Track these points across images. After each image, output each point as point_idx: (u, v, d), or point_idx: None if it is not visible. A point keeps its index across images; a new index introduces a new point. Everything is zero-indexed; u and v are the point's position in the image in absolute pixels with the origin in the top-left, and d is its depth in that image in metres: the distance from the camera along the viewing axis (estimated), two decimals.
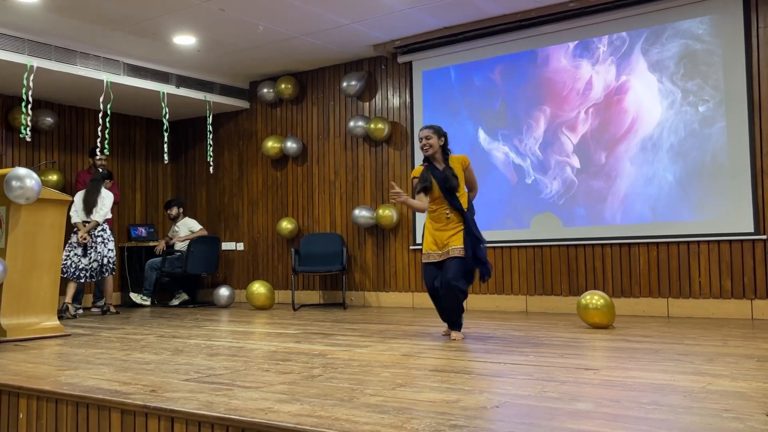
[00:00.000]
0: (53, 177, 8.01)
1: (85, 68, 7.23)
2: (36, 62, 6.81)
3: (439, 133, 4.64)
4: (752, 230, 5.76)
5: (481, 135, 7.16)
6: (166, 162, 8.30)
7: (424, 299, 6.28)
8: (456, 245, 4.49)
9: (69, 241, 6.99)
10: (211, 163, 8.70)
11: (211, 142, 8.70)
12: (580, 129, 6.60)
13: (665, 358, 3.64)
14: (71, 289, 6.94)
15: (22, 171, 4.74)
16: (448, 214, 4.54)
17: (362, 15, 6.60)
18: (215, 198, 9.28)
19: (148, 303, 8.26)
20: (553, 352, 3.90)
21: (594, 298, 5.13)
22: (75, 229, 7.04)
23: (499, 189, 6.97)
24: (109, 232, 7.17)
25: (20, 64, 6.73)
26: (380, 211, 7.60)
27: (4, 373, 3.42)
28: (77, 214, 7.04)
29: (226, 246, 9.02)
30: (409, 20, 6.76)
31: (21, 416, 3.00)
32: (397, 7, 6.41)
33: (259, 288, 7.51)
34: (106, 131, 7.58)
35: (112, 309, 7.27)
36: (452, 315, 4.60)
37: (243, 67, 8.23)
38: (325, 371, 3.32)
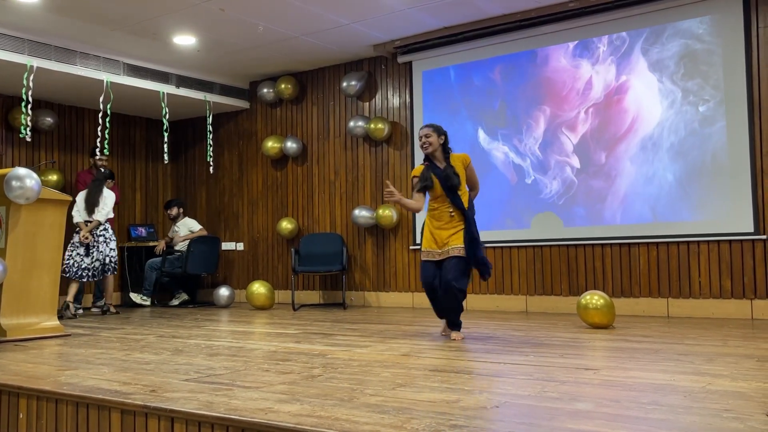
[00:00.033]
0: (53, 177, 8.01)
1: (85, 68, 7.23)
2: (36, 62, 6.81)
3: (439, 131, 4.64)
4: (752, 230, 5.76)
5: (481, 135, 7.16)
6: (166, 162, 8.30)
7: (424, 299, 6.26)
8: (456, 245, 4.49)
9: (71, 241, 7.06)
10: (211, 163, 8.70)
11: (211, 142, 8.70)
12: (579, 129, 6.60)
13: (665, 358, 3.64)
14: (73, 288, 6.97)
15: (22, 171, 4.74)
16: (451, 212, 4.53)
17: (362, 15, 6.60)
18: (215, 198, 9.28)
19: (148, 303, 8.26)
20: (553, 352, 3.90)
21: (594, 298, 5.13)
22: (77, 229, 7.09)
23: (498, 189, 6.97)
24: (111, 231, 7.21)
25: (20, 64, 6.73)
26: (380, 211, 7.60)
27: (4, 373, 3.42)
28: (79, 214, 7.10)
29: (226, 246, 9.02)
30: (409, 20, 6.76)
31: (21, 416, 3.00)
32: (397, 7, 6.41)
33: (259, 288, 7.51)
34: (106, 131, 7.59)
35: (112, 309, 7.27)
36: (452, 315, 4.60)
37: (243, 67, 8.23)
38: (325, 371, 3.32)
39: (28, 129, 6.89)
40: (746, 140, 5.80)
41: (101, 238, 7.09)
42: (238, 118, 9.10)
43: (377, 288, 7.82)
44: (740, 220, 5.81)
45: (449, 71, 7.38)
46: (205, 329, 5.56)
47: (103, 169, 7.53)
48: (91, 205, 7.08)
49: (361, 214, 7.73)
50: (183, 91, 8.19)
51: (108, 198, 7.19)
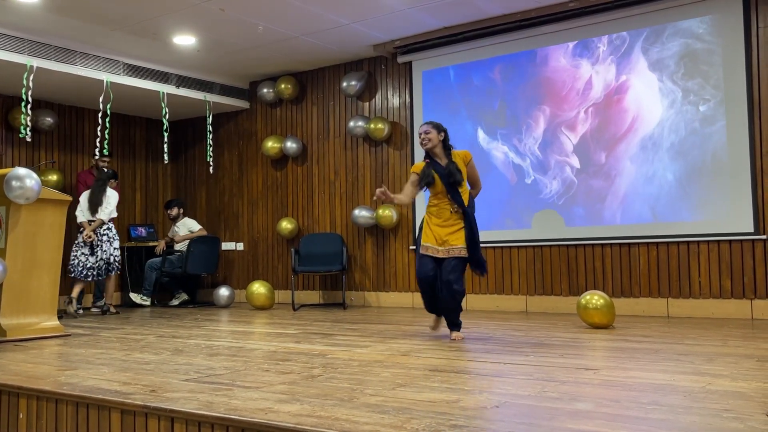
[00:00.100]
0: (53, 177, 8.01)
1: (85, 68, 7.23)
2: (36, 62, 6.81)
3: (439, 128, 4.63)
4: (752, 230, 5.76)
5: (481, 135, 7.16)
6: (166, 162, 8.30)
7: None
8: (457, 244, 4.49)
9: (76, 242, 7.15)
10: (211, 163, 8.70)
11: (211, 142, 8.70)
12: (579, 129, 6.60)
13: (665, 358, 3.64)
14: (78, 287, 7.07)
15: (22, 171, 4.74)
16: (451, 209, 4.53)
17: (362, 15, 6.60)
18: (215, 198, 9.28)
19: (148, 303, 8.27)
20: (553, 352, 3.90)
21: (594, 298, 5.13)
22: (81, 228, 7.14)
23: (498, 189, 6.97)
24: (114, 231, 7.27)
25: (20, 64, 6.73)
26: (380, 211, 7.60)
27: (4, 373, 3.42)
28: (83, 214, 7.17)
29: (226, 246, 9.02)
30: (409, 20, 6.76)
31: (21, 416, 3.00)
32: (397, 7, 6.41)
33: (259, 288, 7.51)
34: (106, 131, 7.59)
35: (112, 309, 7.28)
36: (452, 315, 4.60)
37: (243, 67, 8.23)
38: (325, 371, 3.32)
39: (28, 129, 6.90)
40: (746, 140, 5.80)
41: (105, 237, 7.14)
42: (238, 118, 9.10)
43: (377, 288, 7.82)
44: (740, 220, 5.81)
45: (449, 71, 7.38)
46: (205, 329, 5.56)
47: (105, 169, 7.56)
48: (95, 204, 7.14)
49: (361, 214, 7.73)
50: (183, 91, 8.19)
51: (111, 197, 7.25)
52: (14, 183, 4.67)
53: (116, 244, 7.25)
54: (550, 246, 6.70)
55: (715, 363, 3.44)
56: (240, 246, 8.97)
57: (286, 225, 8.34)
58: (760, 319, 5.64)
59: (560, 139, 6.70)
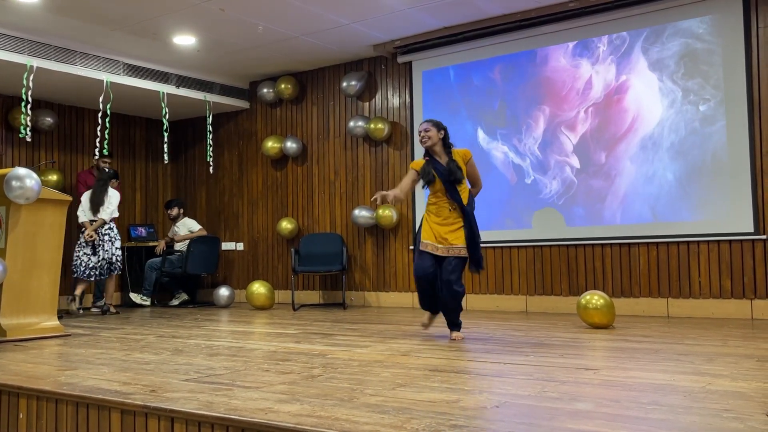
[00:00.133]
0: (53, 177, 8.02)
1: (85, 68, 7.23)
2: (36, 62, 6.81)
3: (439, 126, 4.63)
4: (752, 230, 5.76)
5: (481, 135, 7.16)
6: (166, 162, 8.31)
7: None
8: (457, 244, 4.48)
9: (78, 242, 7.21)
10: (211, 163, 8.71)
11: (211, 142, 8.70)
12: (579, 129, 6.60)
13: (665, 358, 3.64)
14: (81, 286, 7.15)
15: (22, 171, 4.74)
16: (450, 208, 4.52)
17: (362, 15, 6.60)
18: (215, 198, 9.28)
19: (148, 303, 8.27)
20: (553, 352, 3.90)
21: (594, 298, 5.13)
22: (83, 228, 7.17)
23: (498, 189, 6.97)
24: (116, 231, 7.31)
25: (20, 64, 6.73)
26: (380, 211, 7.60)
27: (4, 373, 3.42)
28: (84, 214, 7.21)
29: (226, 246, 9.02)
30: (409, 20, 6.76)
31: (21, 416, 3.00)
32: (397, 7, 6.41)
33: (259, 288, 7.51)
34: (106, 131, 7.60)
35: (112, 309, 7.29)
36: (452, 315, 4.60)
37: (243, 67, 8.23)
38: (325, 371, 3.32)
39: (28, 129, 6.90)
40: (746, 140, 5.80)
41: (106, 237, 7.18)
42: (238, 118, 9.10)
43: (377, 288, 7.82)
44: (740, 220, 5.81)
45: (449, 71, 7.38)
46: (205, 329, 5.56)
47: (107, 169, 7.58)
48: (96, 204, 7.18)
49: (361, 214, 7.73)
50: (183, 91, 8.19)
51: (113, 197, 7.29)
52: (14, 183, 4.67)
53: (118, 243, 7.29)
54: (550, 246, 6.70)
55: (715, 363, 3.44)
56: (240, 246, 8.97)
57: (286, 225, 8.34)
58: (760, 319, 5.64)
59: (560, 139, 6.70)
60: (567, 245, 6.61)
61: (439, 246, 4.49)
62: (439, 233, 4.51)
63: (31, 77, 6.77)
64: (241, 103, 8.89)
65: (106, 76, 7.37)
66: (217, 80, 8.55)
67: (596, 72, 6.54)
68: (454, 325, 4.61)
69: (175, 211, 8.66)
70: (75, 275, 7.16)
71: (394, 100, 7.80)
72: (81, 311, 7.24)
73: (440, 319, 4.85)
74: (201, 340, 4.74)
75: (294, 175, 8.55)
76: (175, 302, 8.46)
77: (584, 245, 6.52)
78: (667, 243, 6.12)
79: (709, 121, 5.97)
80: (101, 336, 5.15)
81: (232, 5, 6.25)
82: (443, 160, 4.59)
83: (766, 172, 5.75)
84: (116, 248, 7.24)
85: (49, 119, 8.08)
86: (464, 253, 4.49)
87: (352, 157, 8.08)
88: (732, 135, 5.87)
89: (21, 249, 4.94)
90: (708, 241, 5.95)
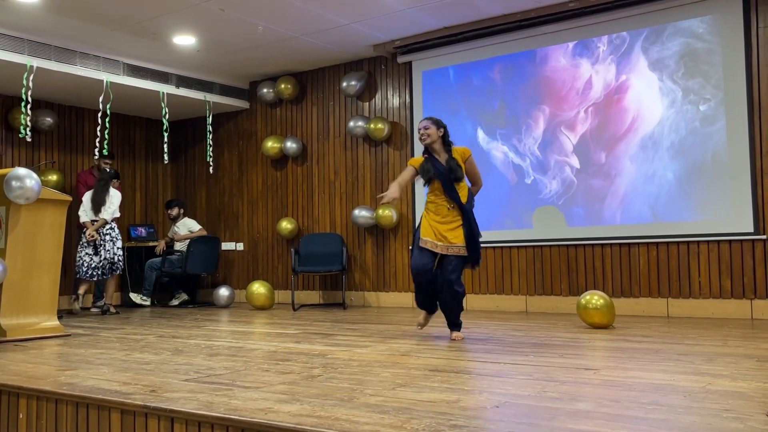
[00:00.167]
0: (53, 177, 8.02)
1: (85, 68, 7.23)
2: (36, 62, 6.81)
3: (438, 124, 4.62)
4: (752, 230, 5.76)
5: (480, 135, 7.16)
6: (166, 162, 8.31)
7: None
8: (456, 242, 4.48)
9: (81, 242, 7.22)
10: (211, 163, 8.70)
11: (211, 142, 8.70)
12: (579, 128, 6.60)
13: (665, 358, 3.64)
14: (84, 286, 7.20)
15: (22, 171, 4.74)
16: (448, 206, 4.51)
17: (362, 15, 6.59)
18: (215, 198, 9.28)
19: (147, 303, 8.27)
20: (553, 352, 3.90)
21: (594, 298, 5.13)
22: (84, 228, 7.18)
23: (498, 189, 6.97)
24: (117, 230, 7.33)
25: (20, 64, 6.73)
26: (380, 211, 7.60)
27: (4, 373, 3.42)
28: (86, 213, 7.24)
29: (226, 246, 9.02)
30: (409, 20, 6.76)
31: (21, 416, 3.00)
32: (397, 7, 6.41)
33: (258, 288, 7.51)
34: (106, 131, 7.60)
35: (112, 309, 7.29)
36: (453, 315, 4.60)
37: (243, 67, 8.22)
38: (325, 371, 3.32)
39: (27, 129, 6.91)
40: (746, 140, 5.80)
41: (108, 237, 7.20)
42: (238, 118, 9.10)
43: (377, 288, 7.82)
44: (740, 220, 5.81)
45: (449, 71, 7.38)
46: (205, 329, 5.56)
47: (108, 169, 7.59)
48: (98, 204, 7.20)
49: (361, 214, 7.73)
50: (183, 91, 8.19)
51: (114, 197, 7.31)
52: (14, 183, 4.67)
53: (119, 243, 7.32)
54: (550, 246, 6.70)
55: (715, 363, 3.44)
56: (240, 246, 8.97)
57: (286, 225, 8.34)
58: (760, 319, 5.64)
59: (560, 139, 6.70)
60: (567, 245, 6.61)
61: (439, 243, 4.48)
62: (439, 231, 4.49)
63: (31, 77, 6.77)
64: (241, 103, 8.90)
65: (106, 76, 7.37)
66: (217, 80, 8.55)
67: (596, 72, 6.54)
68: (455, 325, 4.61)
69: (175, 211, 8.67)
70: (78, 275, 7.19)
71: (394, 100, 7.80)
72: (72, 310, 7.25)
73: (440, 319, 4.85)
74: (201, 340, 4.74)
75: (294, 175, 8.55)
76: (175, 302, 8.46)
77: (584, 245, 6.52)
78: (667, 243, 6.12)
79: (710, 120, 5.97)
80: (101, 336, 5.15)
81: (232, 5, 6.25)
82: (442, 158, 4.58)
83: (766, 172, 5.75)
84: (118, 248, 7.26)
85: (49, 119, 8.08)
86: (463, 252, 4.49)
87: (352, 157, 8.08)
88: (732, 135, 5.87)
89: (21, 249, 4.94)
90: (708, 241, 5.95)
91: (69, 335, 5.15)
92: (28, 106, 6.79)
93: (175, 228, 8.66)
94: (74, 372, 3.41)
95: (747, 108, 5.80)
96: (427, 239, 4.51)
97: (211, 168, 8.71)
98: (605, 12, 6.39)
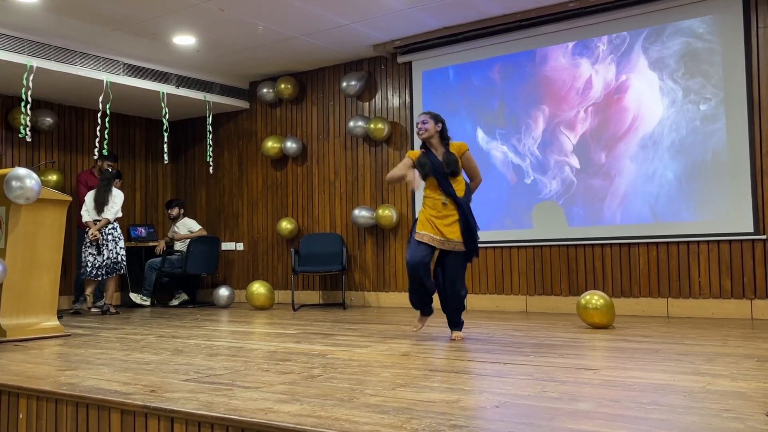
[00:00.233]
0: (53, 177, 8.02)
1: (85, 68, 7.23)
2: (36, 62, 6.81)
3: (437, 118, 4.61)
4: (752, 230, 5.76)
5: (480, 135, 7.16)
6: (166, 162, 8.31)
7: None
8: (453, 238, 4.47)
9: (84, 242, 7.25)
10: (211, 163, 8.70)
11: (211, 142, 8.70)
12: (579, 128, 6.60)
13: (665, 358, 3.64)
14: (90, 286, 7.25)
15: (22, 171, 4.74)
16: (443, 201, 4.50)
17: (362, 15, 6.59)
18: (215, 198, 9.28)
19: (147, 303, 8.27)
20: (553, 352, 3.90)
21: (594, 298, 5.13)
22: (87, 228, 7.20)
23: (498, 189, 6.97)
24: (119, 231, 7.35)
25: (20, 64, 6.73)
26: (380, 211, 7.60)
27: (4, 373, 3.42)
28: (88, 213, 7.24)
29: (226, 246, 9.02)
30: (409, 20, 6.75)
31: (21, 416, 3.00)
32: (397, 7, 6.41)
33: (258, 288, 7.51)
34: (106, 131, 7.60)
35: (112, 309, 7.30)
36: (454, 315, 4.60)
37: (243, 67, 8.22)
38: (325, 371, 3.32)
39: (27, 129, 6.91)
40: (746, 140, 5.80)
41: (110, 237, 7.21)
42: (237, 118, 9.10)
43: (377, 288, 7.82)
44: (740, 220, 5.81)
45: (448, 71, 7.38)
46: (205, 329, 5.56)
47: (110, 169, 7.60)
48: (101, 204, 7.22)
49: (361, 214, 7.73)
50: (183, 91, 8.19)
51: (117, 197, 7.33)
52: (14, 183, 4.67)
53: (122, 243, 7.33)
54: (550, 246, 6.69)
55: (715, 363, 3.44)
56: (240, 246, 8.97)
57: (286, 225, 8.34)
58: (760, 319, 5.64)
59: (560, 138, 6.70)
60: (567, 245, 6.61)
61: (436, 237, 4.47)
62: (436, 225, 4.48)
63: (31, 77, 6.77)
64: (241, 103, 8.89)
65: (105, 76, 7.37)
66: (217, 80, 8.55)
67: (596, 71, 6.54)
68: (456, 324, 4.61)
69: (175, 211, 8.67)
70: (83, 276, 7.21)
71: (394, 100, 7.80)
72: (80, 311, 7.26)
73: (439, 319, 4.86)
74: (201, 340, 4.74)
75: (294, 175, 8.55)
76: (175, 302, 8.46)
77: (584, 245, 6.52)
78: (667, 243, 6.12)
79: (710, 120, 5.97)
80: (101, 336, 5.15)
81: (232, 5, 6.25)
82: (439, 152, 4.58)
83: (766, 172, 5.75)
84: (120, 248, 7.28)
85: (49, 119, 8.08)
86: (460, 247, 4.48)
87: (352, 157, 8.08)
88: (732, 135, 5.87)
89: (21, 249, 4.94)
90: (708, 241, 5.95)
91: (69, 335, 5.15)
92: (28, 106, 6.79)
93: (175, 228, 8.66)
94: (74, 372, 3.41)
95: (747, 108, 5.80)
96: (424, 233, 4.49)
97: (211, 168, 8.71)
98: (605, 12, 6.39)
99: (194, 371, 3.36)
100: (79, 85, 7.51)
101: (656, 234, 6.15)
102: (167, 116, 8.10)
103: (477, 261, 6.91)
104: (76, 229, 7.94)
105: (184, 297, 8.54)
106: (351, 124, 7.84)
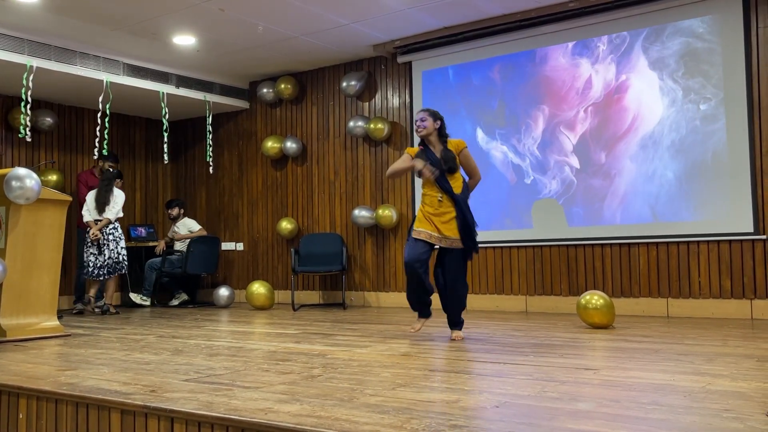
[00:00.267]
0: (53, 177, 8.01)
1: (85, 68, 7.23)
2: (35, 62, 6.81)
3: (435, 116, 4.61)
4: (752, 230, 5.76)
5: (480, 134, 7.16)
6: (166, 162, 8.31)
7: None
8: (450, 236, 4.46)
9: (86, 243, 7.27)
10: (211, 163, 8.70)
11: (211, 142, 8.70)
12: (579, 128, 6.60)
13: (665, 358, 3.64)
14: (93, 287, 7.25)
15: (22, 171, 4.74)
16: (439, 198, 4.50)
17: (362, 15, 6.60)
18: (215, 198, 9.28)
19: (147, 303, 8.27)
20: (553, 352, 3.90)
21: (594, 298, 5.13)
22: (88, 228, 7.21)
23: (498, 189, 6.97)
24: (120, 231, 7.36)
25: (20, 64, 6.73)
26: (380, 211, 7.60)
27: (4, 373, 3.42)
28: (89, 213, 7.25)
29: (226, 246, 9.02)
30: (409, 20, 6.76)
31: (21, 416, 3.00)
32: (397, 7, 6.41)
33: (258, 288, 7.51)
34: (106, 131, 7.60)
35: (112, 309, 7.30)
36: (455, 314, 4.60)
37: (243, 67, 8.22)
38: (325, 371, 3.32)
39: (27, 129, 6.91)
40: (746, 140, 5.80)
41: (111, 237, 7.22)
42: (237, 118, 9.10)
43: (377, 288, 7.82)
44: (740, 220, 5.81)
45: (448, 71, 7.38)
46: (205, 329, 5.56)
47: (111, 169, 7.60)
48: (102, 204, 7.23)
49: (361, 214, 7.73)
50: (183, 91, 8.19)
51: (118, 197, 7.35)
52: (14, 183, 4.67)
53: (123, 243, 7.34)
54: (550, 246, 6.70)
55: (715, 363, 3.44)
56: (240, 246, 8.97)
57: (286, 225, 8.34)
58: (760, 319, 5.64)
59: (559, 138, 6.70)
60: (567, 245, 6.61)
61: (434, 234, 4.47)
62: (433, 222, 4.49)
63: (31, 77, 6.77)
64: (241, 103, 8.89)
65: (105, 76, 7.37)
66: (217, 80, 8.55)
67: (596, 71, 6.54)
68: (456, 324, 4.61)
69: (175, 211, 8.67)
70: (86, 276, 7.22)
71: (394, 100, 7.80)
72: (84, 311, 7.26)
73: (439, 319, 4.86)
74: (201, 340, 4.74)
75: (294, 175, 8.55)
76: (175, 302, 8.46)
77: (584, 245, 6.52)
78: (667, 243, 6.12)
79: (710, 120, 5.97)
80: (101, 336, 5.15)
81: (232, 5, 6.25)
82: (437, 149, 4.58)
83: (766, 172, 5.75)
84: (121, 248, 7.29)
85: (48, 119, 8.08)
86: (458, 244, 4.48)
87: (352, 157, 8.08)
88: (732, 135, 5.87)
89: (21, 249, 4.93)
90: (708, 241, 5.95)
91: (69, 335, 5.15)
92: (28, 106, 6.79)
93: (175, 228, 8.66)
94: (74, 372, 3.41)
95: (747, 108, 5.80)
96: (422, 230, 4.49)
97: (211, 168, 8.71)
98: (605, 12, 6.39)
99: (194, 371, 3.36)
100: (79, 85, 7.51)
101: (656, 234, 6.15)
102: (167, 116, 8.10)
103: (477, 261, 6.92)
104: (76, 229, 7.94)
105: (184, 297, 8.54)
106: (351, 124, 7.84)
